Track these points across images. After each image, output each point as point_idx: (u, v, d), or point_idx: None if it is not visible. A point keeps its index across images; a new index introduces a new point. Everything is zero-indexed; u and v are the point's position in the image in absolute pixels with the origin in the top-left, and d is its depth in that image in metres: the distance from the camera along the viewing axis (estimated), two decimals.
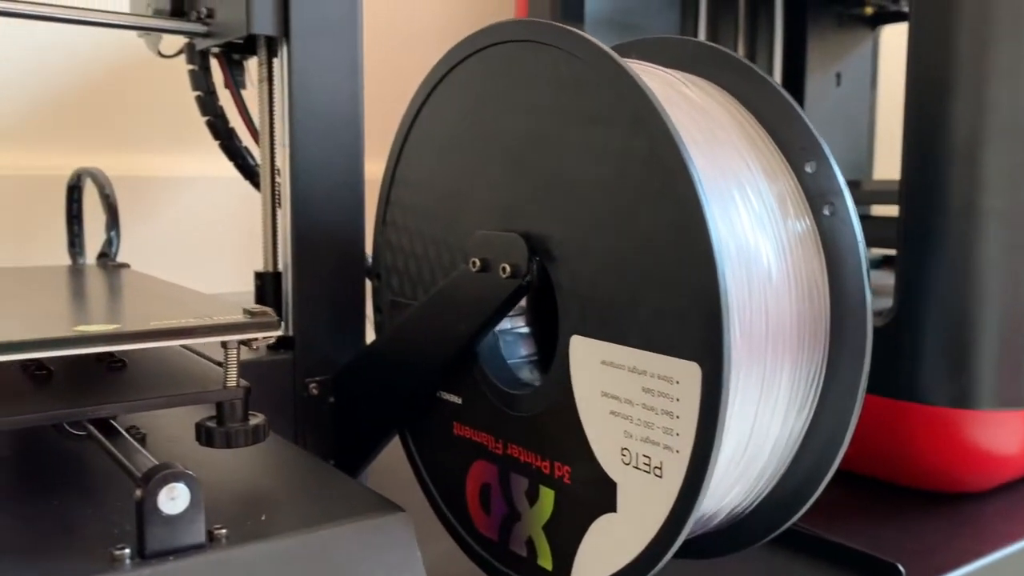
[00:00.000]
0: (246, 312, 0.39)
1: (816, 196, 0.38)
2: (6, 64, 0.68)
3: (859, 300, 0.37)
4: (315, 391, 0.50)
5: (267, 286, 0.53)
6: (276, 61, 0.50)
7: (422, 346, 0.44)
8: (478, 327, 0.42)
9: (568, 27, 0.37)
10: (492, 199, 0.41)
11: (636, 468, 0.35)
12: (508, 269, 0.39)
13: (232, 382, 0.37)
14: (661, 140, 0.33)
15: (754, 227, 0.36)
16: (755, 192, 0.37)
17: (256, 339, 0.37)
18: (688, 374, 0.33)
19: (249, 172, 0.57)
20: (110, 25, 0.51)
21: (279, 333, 0.38)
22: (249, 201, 0.79)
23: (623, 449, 0.36)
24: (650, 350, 0.34)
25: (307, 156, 0.49)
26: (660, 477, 0.34)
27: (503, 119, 0.41)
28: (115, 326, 0.35)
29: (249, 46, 0.52)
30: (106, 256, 0.59)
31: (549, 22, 0.38)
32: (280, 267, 0.52)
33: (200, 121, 0.56)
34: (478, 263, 0.41)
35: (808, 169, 0.38)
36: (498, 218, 0.41)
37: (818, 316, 0.37)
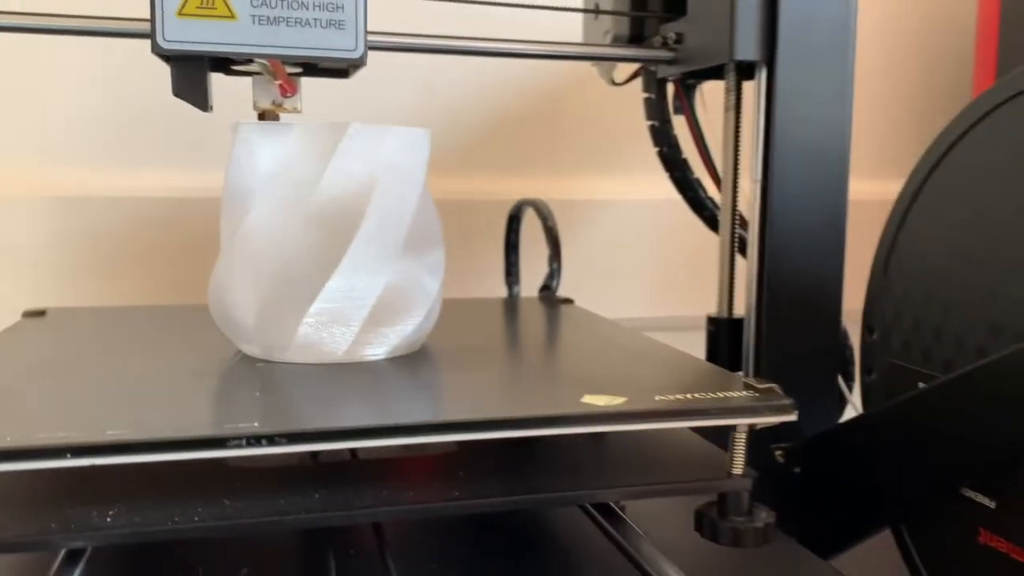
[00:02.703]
0: (749, 388, 0.35)
1: None
2: (451, 90, 0.71)
3: None
4: (780, 458, 0.44)
5: (722, 333, 0.48)
6: (748, 87, 0.45)
7: (945, 432, 0.36)
8: None
9: None
10: None
11: None
12: None
13: (739, 470, 0.33)
14: None
15: None
16: None
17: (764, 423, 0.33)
18: None
19: (699, 205, 0.53)
20: (573, 57, 0.49)
21: (793, 418, 0.33)
22: (668, 225, 0.77)
23: None
24: None
25: (785, 191, 0.44)
26: None
27: None
28: (622, 399, 0.32)
29: (713, 71, 0.47)
30: (548, 289, 0.58)
31: None
32: (737, 312, 0.48)
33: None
34: None
35: None
36: None
37: None
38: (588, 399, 0.33)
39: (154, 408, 0.32)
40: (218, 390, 0.35)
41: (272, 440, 0.28)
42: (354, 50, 0.37)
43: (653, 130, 0.53)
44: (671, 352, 0.43)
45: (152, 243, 0.66)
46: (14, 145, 0.64)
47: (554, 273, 0.59)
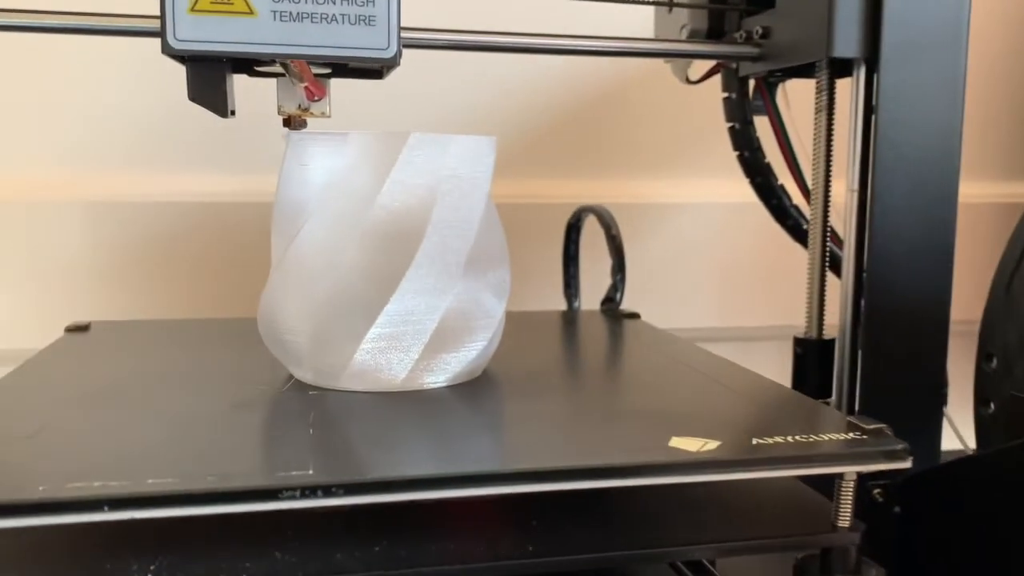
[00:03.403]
0: (854, 428, 0.31)
1: None
2: (502, 86, 0.68)
3: None
4: (879, 497, 0.40)
5: (810, 356, 0.44)
6: (840, 85, 0.41)
7: None
8: None
9: None
10: None
11: None
12: None
13: (845, 522, 0.29)
14: None
15: None
16: None
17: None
18: None
19: (783, 214, 0.49)
20: (649, 54, 0.46)
21: (908, 465, 0.29)
22: (734, 230, 0.73)
23: None
24: None
25: (887, 202, 0.39)
26: None
27: None
28: (716, 444, 0.29)
29: (801, 69, 0.43)
30: (611, 301, 0.55)
31: None
32: (827, 333, 0.44)
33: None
34: None
35: None
36: None
37: None
38: (676, 443, 0.29)
39: (200, 448, 0.29)
40: (269, 426, 0.32)
41: (328, 491, 0.25)
42: (386, 49, 0.33)
43: (733, 132, 0.49)
44: (755, 379, 0.39)
45: (195, 249, 0.64)
46: (51, 149, 0.62)
47: (617, 285, 0.55)
